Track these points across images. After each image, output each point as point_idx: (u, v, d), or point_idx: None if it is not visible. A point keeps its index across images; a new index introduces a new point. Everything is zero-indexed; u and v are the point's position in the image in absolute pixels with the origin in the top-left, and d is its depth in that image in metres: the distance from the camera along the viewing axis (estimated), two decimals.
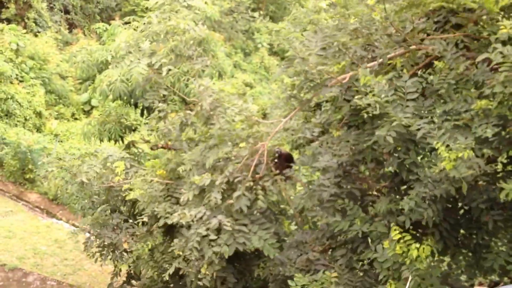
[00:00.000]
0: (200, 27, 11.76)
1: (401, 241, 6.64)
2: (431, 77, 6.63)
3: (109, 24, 30.04)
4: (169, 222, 8.63)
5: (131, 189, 9.89)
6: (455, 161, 5.84)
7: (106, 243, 10.90)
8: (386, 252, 6.80)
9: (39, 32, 29.23)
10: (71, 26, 32.84)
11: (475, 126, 6.09)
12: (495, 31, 6.33)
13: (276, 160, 8.66)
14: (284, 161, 8.78)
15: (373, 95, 6.36)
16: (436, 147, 6.02)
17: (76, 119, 26.93)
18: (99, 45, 23.28)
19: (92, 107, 27.34)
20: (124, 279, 11.85)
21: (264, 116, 11.10)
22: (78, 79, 27.23)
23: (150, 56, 11.41)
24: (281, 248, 9.31)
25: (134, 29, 12.88)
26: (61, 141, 24.22)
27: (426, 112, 6.53)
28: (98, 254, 11.16)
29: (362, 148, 7.16)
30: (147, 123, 11.20)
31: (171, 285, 10.69)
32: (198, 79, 10.72)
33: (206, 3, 13.92)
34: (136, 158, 12.46)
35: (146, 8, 31.05)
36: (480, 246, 7.16)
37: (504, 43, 6.06)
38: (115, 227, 10.97)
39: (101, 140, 13.40)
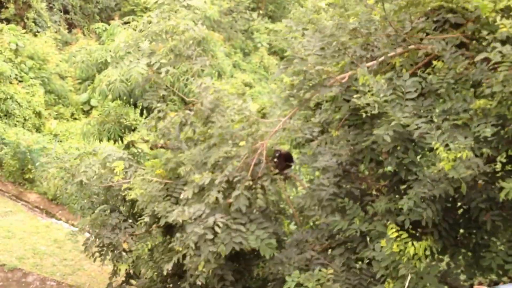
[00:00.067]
0: (200, 27, 11.76)
1: (398, 239, 6.64)
2: (430, 76, 6.63)
3: (109, 24, 30.04)
4: (170, 220, 8.63)
5: (130, 189, 9.89)
6: (453, 161, 5.84)
7: (105, 243, 10.89)
8: (384, 250, 6.80)
9: (38, 32, 29.24)
10: (70, 26, 32.85)
11: (474, 125, 6.10)
12: (493, 30, 6.33)
13: (275, 160, 8.66)
14: (284, 160, 8.78)
15: (372, 94, 6.36)
16: (435, 147, 6.02)
17: (75, 119, 26.94)
18: (99, 45, 23.24)
19: (92, 107, 27.35)
20: (123, 278, 11.84)
21: (264, 115, 11.08)
22: (78, 79, 27.26)
23: (149, 56, 11.41)
24: (281, 247, 9.33)
25: (134, 29, 12.88)
26: (61, 141, 24.23)
27: (425, 111, 6.53)
28: (97, 254, 11.15)
29: (361, 148, 7.17)
30: (145, 123, 11.19)
31: (170, 285, 10.69)
32: (197, 78, 10.73)
33: (205, 2, 13.92)
34: (135, 158, 12.46)
35: (146, 8, 31.15)
36: (479, 245, 7.16)
37: (503, 43, 6.06)
38: (114, 227, 10.96)
39: (101, 140, 13.40)
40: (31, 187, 21.55)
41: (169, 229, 9.92)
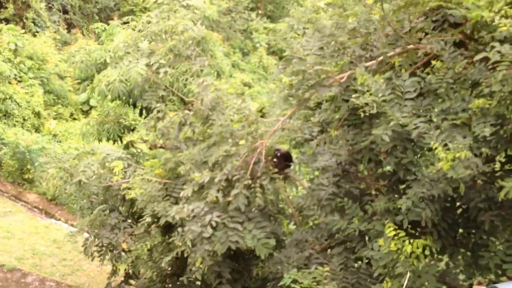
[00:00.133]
0: (199, 27, 11.75)
1: (396, 238, 6.65)
2: (429, 76, 6.63)
3: (108, 24, 30.01)
4: (169, 218, 8.64)
5: (129, 188, 9.89)
6: (452, 161, 5.84)
7: (104, 243, 10.88)
8: (382, 249, 6.81)
9: (37, 32, 29.21)
10: (69, 26, 32.83)
11: (473, 125, 6.10)
12: (491, 30, 6.33)
13: (275, 159, 8.67)
14: (283, 160, 8.79)
15: (370, 94, 6.37)
16: (434, 147, 6.02)
17: (74, 119, 26.92)
18: (98, 45, 23.24)
19: (91, 107, 27.33)
20: (122, 279, 11.83)
21: (263, 115, 11.09)
22: (77, 79, 27.25)
23: (148, 56, 11.41)
24: (280, 247, 9.33)
25: (133, 29, 12.87)
26: (60, 141, 24.20)
27: (423, 111, 6.53)
28: (96, 254, 11.14)
29: (360, 148, 7.18)
30: (145, 123, 11.18)
31: (169, 285, 10.69)
32: (196, 78, 10.73)
33: (204, 2, 13.91)
34: (134, 158, 12.45)
35: (145, 8, 31.13)
36: (478, 245, 7.16)
37: (501, 42, 6.06)
38: (113, 227, 10.95)
39: (100, 140, 13.39)
40: (30, 187, 21.52)
41: (168, 229, 9.92)
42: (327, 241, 8.51)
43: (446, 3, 6.73)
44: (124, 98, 13.00)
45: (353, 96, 6.58)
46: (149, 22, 11.95)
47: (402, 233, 6.64)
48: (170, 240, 8.67)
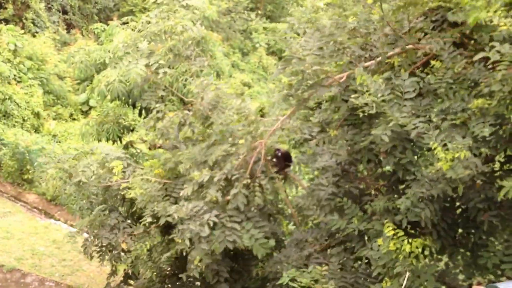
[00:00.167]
0: (198, 27, 11.75)
1: (395, 237, 6.65)
2: (429, 76, 6.63)
3: (107, 25, 30.01)
4: (170, 219, 8.64)
5: (129, 188, 9.89)
6: (451, 161, 5.84)
7: (104, 243, 10.87)
8: (381, 249, 6.81)
9: (37, 32, 29.22)
10: (69, 26, 32.83)
11: (473, 125, 6.09)
12: (490, 31, 6.33)
13: (274, 159, 8.67)
14: (283, 160, 8.79)
15: (370, 94, 6.36)
16: (433, 147, 6.02)
17: (74, 119, 26.92)
18: (97, 46, 23.26)
19: (90, 108, 27.33)
20: (122, 278, 11.83)
21: (263, 115, 11.10)
22: (76, 79, 27.25)
23: (148, 56, 11.40)
24: (280, 247, 9.33)
25: (132, 29, 12.86)
26: (59, 142, 24.20)
27: (423, 111, 6.53)
28: (96, 254, 11.14)
29: (359, 148, 7.17)
30: (144, 122, 11.17)
31: (169, 286, 10.69)
32: (196, 78, 10.74)
33: (204, 2, 13.90)
34: (134, 159, 12.45)
35: (144, 8, 31.14)
36: (477, 245, 7.16)
37: (501, 42, 6.05)
38: (113, 227, 10.94)
39: (99, 141, 13.38)
40: (30, 188, 21.51)
41: (168, 229, 9.92)
42: (327, 241, 8.51)
43: (445, 3, 6.73)
44: (123, 98, 12.99)
45: (353, 96, 6.58)
46: (148, 23, 11.95)
47: (401, 233, 6.64)
48: (170, 237, 8.66)
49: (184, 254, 8.50)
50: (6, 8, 28.59)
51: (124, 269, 11.79)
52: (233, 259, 9.62)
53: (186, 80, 11.63)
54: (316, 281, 7.31)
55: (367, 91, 6.41)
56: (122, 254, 11.04)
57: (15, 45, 25.68)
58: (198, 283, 10.22)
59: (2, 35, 25.81)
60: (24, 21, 29.00)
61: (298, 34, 8.29)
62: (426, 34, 7.01)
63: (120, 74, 12.14)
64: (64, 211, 20.61)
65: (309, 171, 9.74)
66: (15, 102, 24.06)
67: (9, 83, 24.41)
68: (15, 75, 24.94)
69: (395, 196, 7.26)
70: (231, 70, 33.44)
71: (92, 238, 11.08)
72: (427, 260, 7.13)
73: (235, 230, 7.90)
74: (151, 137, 11.28)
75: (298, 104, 7.60)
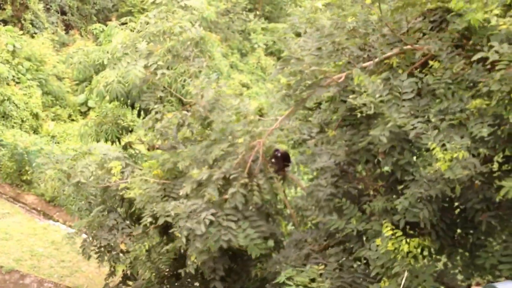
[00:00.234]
0: (197, 28, 11.75)
1: (393, 237, 6.65)
2: (427, 76, 6.63)
3: (106, 25, 30.03)
4: (169, 219, 8.65)
5: (128, 188, 9.89)
6: (450, 162, 5.84)
7: (102, 244, 10.87)
8: (379, 249, 6.81)
9: (35, 33, 29.22)
10: (67, 27, 32.82)
11: (471, 125, 6.10)
12: (488, 31, 6.34)
13: (273, 160, 8.68)
14: (282, 160, 8.79)
15: (368, 95, 6.36)
16: (431, 148, 6.02)
17: (73, 120, 26.91)
18: (96, 46, 23.28)
19: (89, 108, 27.33)
20: (120, 279, 11.82)
21: (261, 115, 11.10)
22: (75, 80, 27.26)
23: (147, 57, 11.40)
24: (279, 248, 9.33)
25: (131, 30, 12.87)
26: (58, 143, 24.19)
27: (421, 111, 6.53)
28: (94, 255, 11.13)
29: (357, 148, 7.17)
30: (143, 122, 11.17)
31: (167, 286, 10.69)
32: (195, 79, 10.74)
33: (202, 3, 13.91)
34: (133, 160, 12.44)
35: (143, 9, 31.14)
36: (476, 245, 7.16)
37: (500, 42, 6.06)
38: (111, 228, 10.94)
39: (98, 141, 13.37)
40: (29, 189, 21.49)
41: (166, 230, 9.92)
42: (326, 241, 8.51)
43: (444, 3, 6.74)
44: (122, 99, 12.99)
45: (351, 96, 6.58)
46: (147, 23, 11.95)
47: (400, 233, 6.64)
48: (171, 230, 8.67)
49: (182, 251, 8.50)
50: (4, 9, 28.58)
51: (123, 270, 11.79)
52: (232, 259, 9.62)
53: (184, 81, 11.63)
54: (313, 280, 7.31)
55: (365, 91, 6.41)
56: (121, 254, 11.04)
57: (14, 46, 25.67)
58: (196, 284, 10.22)
59: (1, 36, 25.82)
60: (22, 22, 28.99)
61: (299, 34, 8.28)
62: (424, 34, 7.01)
63: (119, 75, 12.13)
64: (63, 212, 20.59)
65: (309, 171, 9.74)
66: (14, 103, 24.06)
67: (7, 84, 24.41)
68: (13, 76, 24.94)
69: (394, 196, 7.25)
70: (230, 71, 33.45)
71: (90, 238, 11.08)
72: (425, 260, 7.13)
73: (231, 229, 7.91)
74: (149, 137, 11.29)
75: (296, 104, 7.61)
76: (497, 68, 5.86)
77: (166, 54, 11.25)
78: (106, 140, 13.31)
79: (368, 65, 7.09)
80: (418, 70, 6.89)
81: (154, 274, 10.34)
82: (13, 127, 23.64)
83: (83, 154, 11.73)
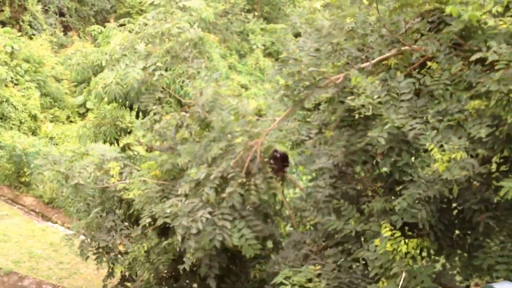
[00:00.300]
0: (195, 29, 11.76)
1: (392, 238, 6.65)
2: (425, 77, 6.63)
3: (104, 27, 29.99)
4: (168, 221, 8.65)
5: (127, 189, 9.89)
6: (448, 163, 5.84)
7: (101, 245, 10.86)
8: (378, 250, 6.81)
9: (34, 35, 29.21)
10: (66, 28, 32.82)
11: (469, 126, 6.10)
12: (485, 33, 6.35)
13: (272, 161, 8.67)
14: (281, 161, 8.79)
15: (366, 96, 6.36)
16: (429, 148, 6.02)
17: (71, 122, 26.91)
18: (94, 48, 23.23)
19: (87, 110, 27.32)
20: (119, 280, 11.81)
21: (260, 116, 11.11)
22: (73, 81, 27.26)
23: (145, 58, 11.40)
24: (277, 249, 9.33)
25: (129, 31, 12.85)
26: (57, 144, 24.18)
27: (419, 112, 6.54)
28: (93, 256, 11.13)
29: (354, 149, 7.17)
30: (142, 123, 11.16)
31: (166, 287, 10.68)
32: (193, 80, 10.76)
33: (201, 4, 13.92)
34: (132, 161, 12.44)
35: (141, 10, 31.14)
36: (474, 246, 7.16)
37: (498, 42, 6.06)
38: (110, 229, 10.94)
39: (96, 142, 13.36)
40: (27, 191, 21.48)
41: (165, 231, 9.92)
42: (324, 242, 8.51)
43: (442, 4, 6.74)
44: (120, 100, 12.96)
45: (349, 98, 6.58)
46: (145, 24, 11.95)
47: (398, 233, 6.65)
48: (172, 225, 8.67)
49: (179, 249, 8.50)
50: (3, 10, 28.57)
51: (121, 271, 11.78)
52: (230, 261, 9.61)
53: (183, 82, 11.63)
54: (310, 280, 7.31)
55: (363, 92, 6.42)
56: (119, 256, 11.04)
57: (12, 48, 25.67)
58: (195, 286, 10.22)
59: None
60: (21, 23, 28.98)
61: (297, 35, 8.28)
62: (422, 35, 7.02)
63: (117, 77, 12.12)
64: (62, 214, 20.58)
65: (308, 172, 9.74)
66: (12, 105, 24.05)
67: (6, 85, 24.41)
68: (12, 78, 24.94)
69: (392, 197, 7.26)
70: (228, 72, 33.45)
71: (89, 240, 11.08)
72: (424, 261, 7.13)
73: (225, 228, 7.90)
74: (147, 138, 11.30)
75: (294, 105, 7.61)
76: (496, 67, 5.86)
77: (164, 55, 11.26)
78: (104, 142, 13.30)
79: (366, 66, 7.09)
80: (416, 71, 6.90)
81: (152, 275, 10.34)
82: (11, 128, 23.64)
83: (80, 155, 11.72)
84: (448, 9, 6.19)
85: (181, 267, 8.65)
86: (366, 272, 7.52)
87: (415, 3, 6.78)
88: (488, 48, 6.02)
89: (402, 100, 6.54)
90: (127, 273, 11.53)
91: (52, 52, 29.22)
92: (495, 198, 6.48)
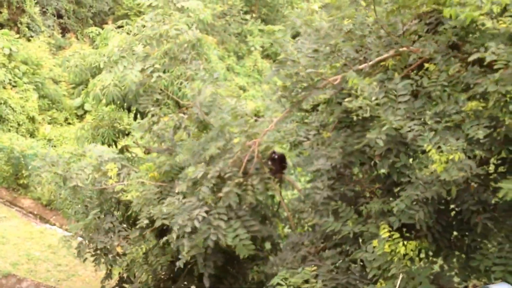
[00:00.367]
0: (194, 30, 11.76)
1: (390, 239, 6.65)
2: (422, 79, 6.64)
3: (102, 28, 29.96)
4: (166, 222, 8.65)
5: (125, 191, 9.88)
6: (446, 164, 5.84)
7: (99, 247, 10.85)
8: (376, 251, 6.81)
9: (32, 36, 29.19)
10: (64, 30, 32.83)
11: (467, 127, 6.10)
12: (483, 34, 6.35)
13: (270, 162, 8.68)
14: (279, 163, 8.80)
15: (364, 98, 6.36)
16: (427, 150, 6.02)
17: (69, 123, 26.89)
18: (92, 49, 23.22)
19: (85, 112, 27.30)
20: (117, 282, 11.80)
21: (258, 117, 11.12)
22: (71, 83, 27.20)
23: (143, 60, 11.40)
24: (276, 250, 9.33)
25: (127, 33, 12.86)
26: (55, 146, 24.16)
27: (417, 114, 6.54)
28: (91, 258, 11.11)
29: (351, 150, 7.17)
30: (140, 124, 11.16)
31: None
32: (191, 82, 10.76)
33: (198, 5, 13.90)
34: (130, 163, 12.43)
35: (139, 12, 31.13)
36: (471, 248, 7.17)
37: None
38: (108, 231, 10.93)
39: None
40: (25, 193, 21.45)
41: (163, 232, 9.90)
42: (322, 244, 8.50)
43: (439, 6, 6.75)
44: (118, 102, 12.97)
45: (346, 99, 6.57)
46: (143, 26, 11.95)
47: (396, 235, 6.65)
48: (168, 227, 8.69)
49: (175, 248, 8.50)
50: (0, 12, 28.56)
51: (119, 273, 11.76)
52: (228, 262, 9.60)
53: (181, 83, 11.63)
54: (307, 281, 7.31)
55: (361, 94, 6.41)
56: (117, 257, 11.02)
57: (10, 50, 25.65)
58: (193, 287, 10.20)
59: None
60: (19, 25, 28.97)
61: (296, 36, 8.28)
62: (420, 36, 7.02)
63: (115, 78, 12.12)
64: (60, 216, 20.56)
65: (306, 173, 9.74)
66: (10, 107, 24.03)
67: (4, 87, 24.39)
68: (10, 80, 24.92)
69: (390, 198, 7.26)
70: (226, 74, 33.46)
71: (87, 242, 11.06)
72: (422, 262, 7.12)
73: (220, 228, 7.89)
74: (145, 141, 11.30)
75: (292, 106, 7.61)
76: (495, 67, 5.86)
77: (163, 57, 11.27)
78: (102, 143, 13.30)
79: (364, 67, 7.09)
80: (414, 72, 6.90)
81: (150, 276, 10.33)
82: (9, 130, 23.61)
83: (78, 156, 11.71)
84: (446, 12, 6.19)
85: (177, 264, 8.65)
86: (364, 273, 7.52)
87: (412, 4, 6.79)
88: (486, 49, 6.02)
89: (400, 102, 6.54)
90: (125, 275, 11.50)
91: (50, 54, 29.22)
92: (493, 200, 6.48)
